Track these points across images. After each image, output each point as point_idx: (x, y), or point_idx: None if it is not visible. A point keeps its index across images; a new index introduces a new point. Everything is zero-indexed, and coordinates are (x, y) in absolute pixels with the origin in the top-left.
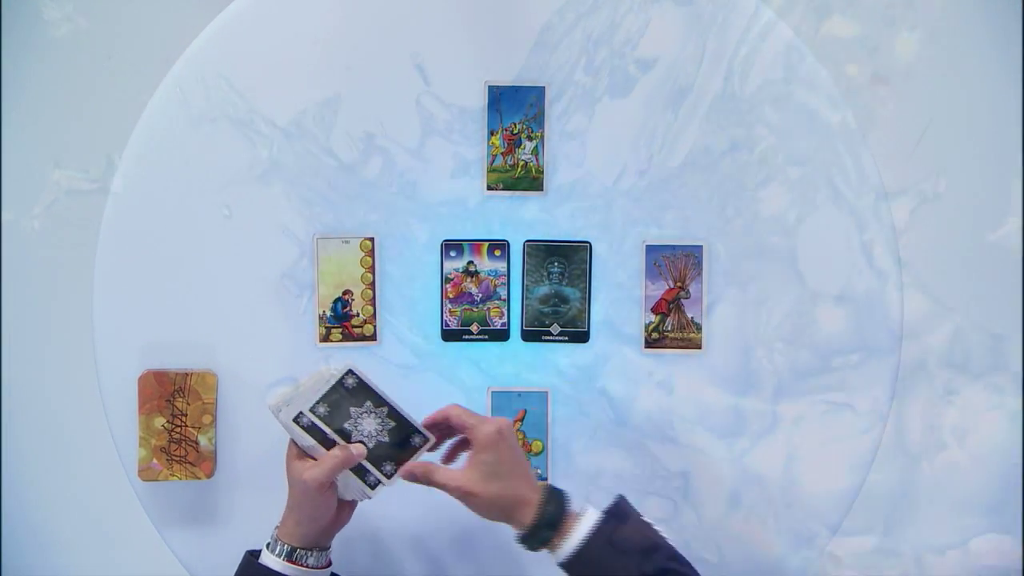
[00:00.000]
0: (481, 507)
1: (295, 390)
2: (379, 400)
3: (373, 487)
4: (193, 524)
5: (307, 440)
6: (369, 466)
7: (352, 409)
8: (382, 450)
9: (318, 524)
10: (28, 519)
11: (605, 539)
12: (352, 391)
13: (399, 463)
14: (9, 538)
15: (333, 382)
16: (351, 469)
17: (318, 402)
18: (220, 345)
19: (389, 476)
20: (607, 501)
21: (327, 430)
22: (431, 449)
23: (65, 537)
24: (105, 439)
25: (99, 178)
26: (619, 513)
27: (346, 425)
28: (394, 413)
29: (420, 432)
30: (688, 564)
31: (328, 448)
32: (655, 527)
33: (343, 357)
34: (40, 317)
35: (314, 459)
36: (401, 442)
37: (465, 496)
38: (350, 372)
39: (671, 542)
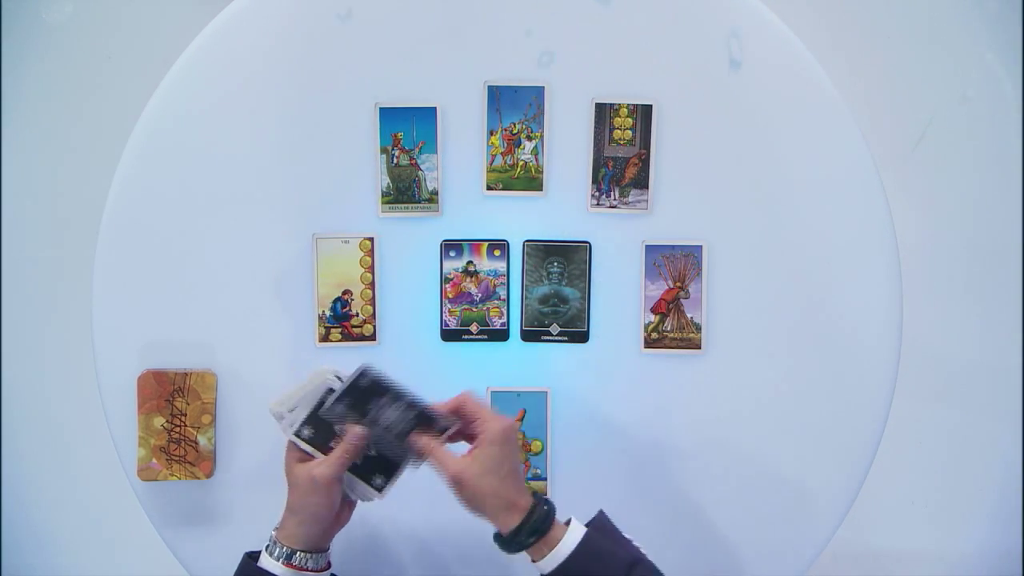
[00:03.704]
0: (469, 499)
1: (298, 393)
2: (398, 394)
3: (380, 489)
4: (192, 524)
5: (309, 449)
6: (356, 480)
7: (371, 404)
8: (370, 462)
9: (321, 524)
10: (28, 519)
11: (592, 552)
12: (368, 389)
13: (389, 475)
14: (9, 538)
15: (342, 382)
16: (357, 472)
17: (336, 400)
18: (220, 345)
19: (380, 489)
20: (590, 513)
21: (331, 443)
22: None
23: (65, 537)
24: (104, 439)
25: (99, 178)
26: (602, 527)
27: (364, 420)
28: (414, 404)
29: (439, 421)
30: None
31: (325, 452)
32: (635, 543)
33: (343, 357)
34: (40, 317)
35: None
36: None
37: (458, 484)
38: (363, 372)
39: (650, 557)
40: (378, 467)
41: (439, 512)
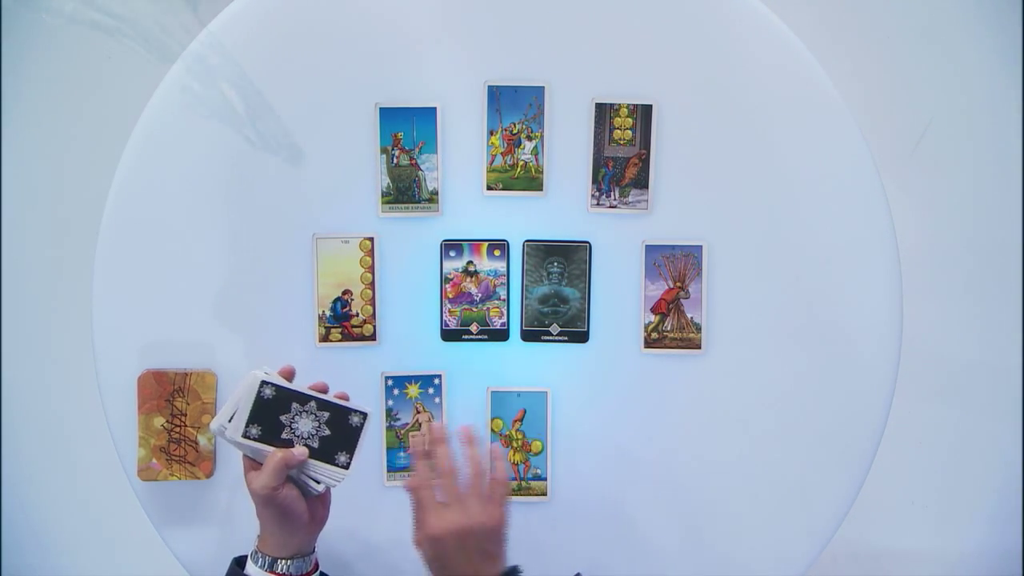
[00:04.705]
0: (436, 558)
1: (232, 405)
2: (303, 397)
3: (346, 466)
4: (192, 524)
5: (265, 449)
6: (324, 466)
7: (282, 417)
8: (329, 443)
9: (289, 530)
10: (28, 519)
11: None
12: (273, 400)
13: (350, 449)
14: (9, 538)
15: (262, 382)
16: (318, 457)
17: (248, 424)
18: (220, 345)
19: (346, 466)
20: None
21: (267, 448)
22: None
23: (65, 537)
24: (105, 439)
25: (99, 178)
26: None
27: (284, 435)
28: (323, 404)
29: (355, 410)
30: None
31: (281, 445)
32: None
33: (343, 357)
34: (40, 317)
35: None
36: (343, 428)
37: (431, 542)
38: (263, 383)
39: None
40: (337, 446)
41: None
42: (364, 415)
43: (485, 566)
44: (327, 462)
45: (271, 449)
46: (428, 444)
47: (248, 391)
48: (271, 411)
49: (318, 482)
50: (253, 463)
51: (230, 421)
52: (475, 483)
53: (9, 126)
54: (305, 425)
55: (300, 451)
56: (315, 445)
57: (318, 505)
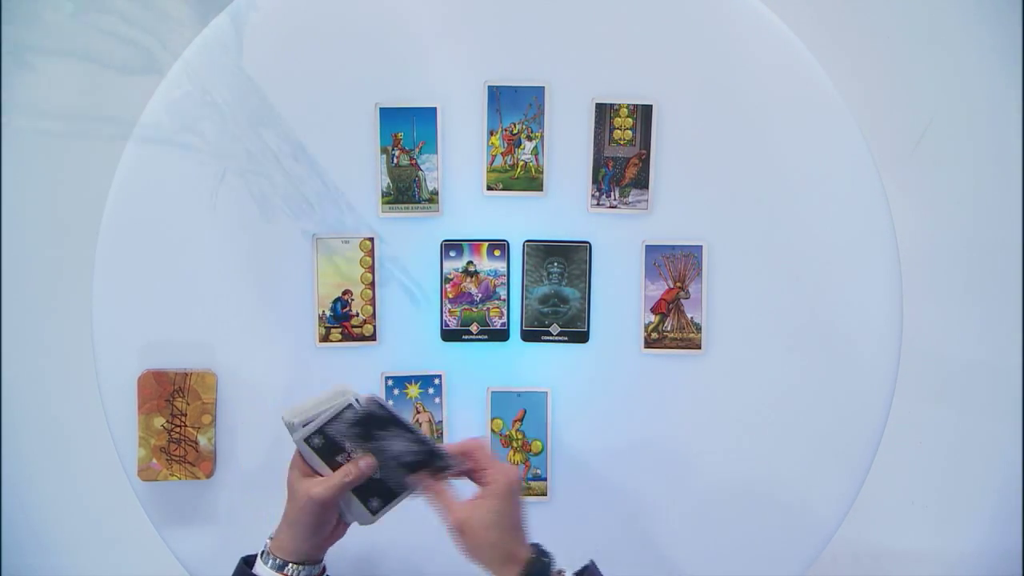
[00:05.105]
0: (469, 547)
1: (313, 406)
2: (408, 428)
3: (375, 512)
4: (193, 524)
5: (316, 460)
6: (354, 500)
7: (381, 431)
8: (371, 485)
9: (314, 539)
10: (28, 519)
11: None
12: (381, 418)
13: (386, 499)
14: (9, 538)
15: (350, 404)
16: (355, 492)
17: (349, 421)
18: (220, 345)
19: (375, 512)
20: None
21: (339, 458)
22: (454, 475)
23: (65, 537)
24: (105, 439)
25: (99, 178)
26: None
27: (339, 459)
28: (423, 441)
29: (445, 459)
30: None
31: (330, 465)
32: None
33: (343, 357)
34: (40, 317)
35: (321, 475)
36: (397, 480)
37: (460, 531)
38: (380, 404)
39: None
40: (377, 491)
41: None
42: (450, 467)
43: (515, 544)
44: (359, 499)
45: (322, 462)
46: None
47: (338, 397)
48: (371, 426)
49: (373, 511)
50: (305, 467)
51: (304, 425)
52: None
53: (9, 126)
54: (396, 447)
55: (368, 463)
56: (376, 475)
57: (339, 524)
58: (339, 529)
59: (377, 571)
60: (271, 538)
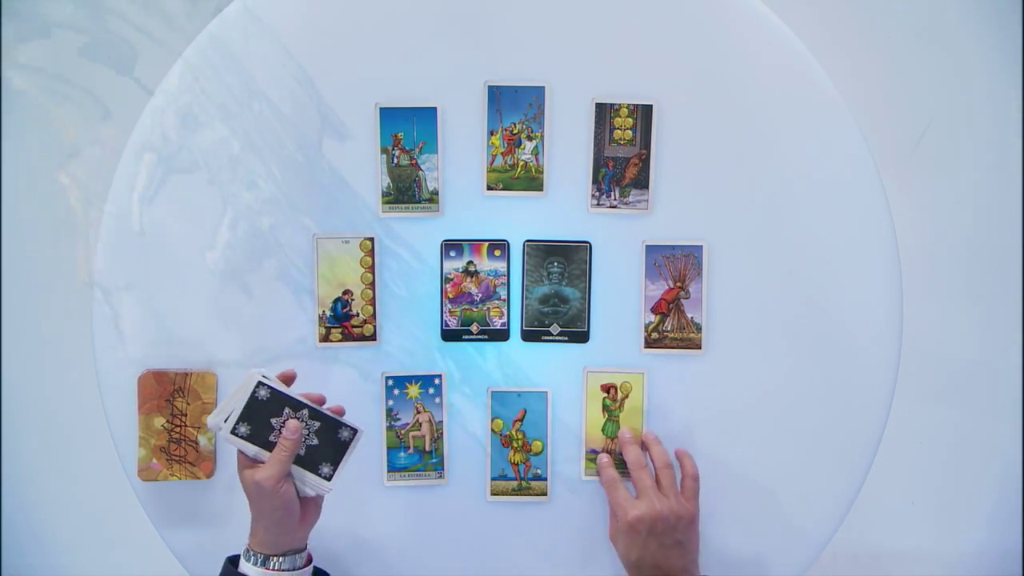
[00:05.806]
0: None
1: (228, 402)
2: (296, 404)
3: (329, 478)
4: (193, 524)
5: (251, 448)
6: (307, 474)
7: (273, 420)
8: (314, 453)
9: (284, 526)
10: (28, 519)
11: None
12: (266, 402)
13: (335, 462)
14: (9, 538)
15: (259, 382)
16: (303, 465)
17: (238, 422)
18: (220, 345)
19: (328, 478)
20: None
21: (253, 447)
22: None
23: (65, 537)
24: (105, 439)
25: (99, 178)
26: None
27: (271, 438)
28: (315, 413)
29: (347, 425)
30: None
31: (267, 447)
32: None
33: (343, 357)
34: (40, 317)
35: (263, 463)
36: (331, 441)
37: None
38: (260, 384)
39: None
40: (322, 456)
41: (434, 522)
42: (355, 431)
43: (675, 554)
44: (311, 471)
45: (257, 449)
46: (618, 446)
47: (244, 390)
48: (263, 412)
49: (326, 477)
50: (246, 461)
51: (226, 420)
52: (664, 476)
53: (9, 126)
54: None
55: (294, 425)
56: (301, 452)
57: (310, 505)
58: (310, 512)
59: (380, 571)
60: (249, 536)
